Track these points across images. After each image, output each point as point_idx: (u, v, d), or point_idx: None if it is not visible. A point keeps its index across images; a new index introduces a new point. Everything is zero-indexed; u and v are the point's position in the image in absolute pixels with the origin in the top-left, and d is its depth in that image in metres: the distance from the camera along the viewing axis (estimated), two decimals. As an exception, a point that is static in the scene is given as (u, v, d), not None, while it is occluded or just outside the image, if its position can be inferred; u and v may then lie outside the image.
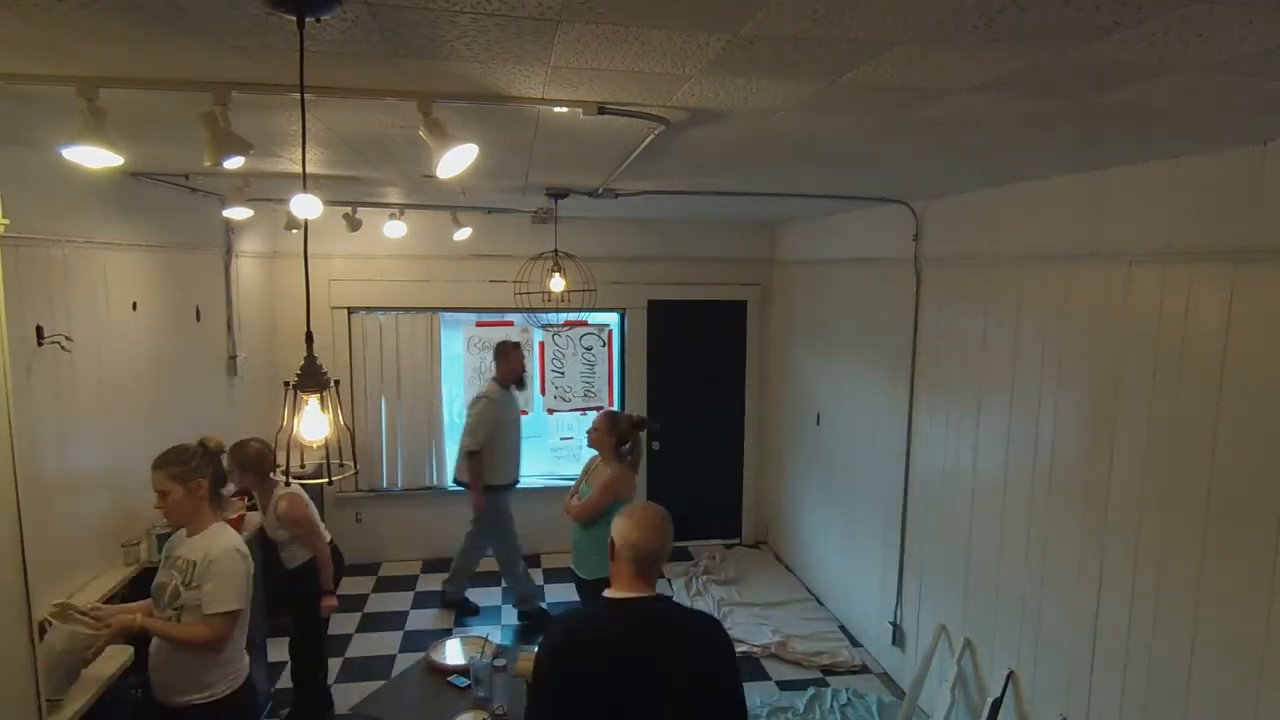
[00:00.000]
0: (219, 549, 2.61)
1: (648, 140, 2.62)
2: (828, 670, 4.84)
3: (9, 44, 1.72)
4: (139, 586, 3.35)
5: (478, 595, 5.89)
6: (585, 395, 6.69)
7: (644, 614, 2.03)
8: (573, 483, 4.29)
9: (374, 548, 6.43)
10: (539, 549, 6.67)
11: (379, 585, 6.06)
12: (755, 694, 4.45)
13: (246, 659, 2.81)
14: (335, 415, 1.69)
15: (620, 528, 2.11)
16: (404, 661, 4.76)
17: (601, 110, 2.21)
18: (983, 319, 3.84)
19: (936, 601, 4.30)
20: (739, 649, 4.19)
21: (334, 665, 4.77)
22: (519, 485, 5.68)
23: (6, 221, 2.12)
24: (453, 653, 3.75)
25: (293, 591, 3.97)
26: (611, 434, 4.04)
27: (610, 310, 6.63)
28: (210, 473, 2.66)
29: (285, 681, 4.56)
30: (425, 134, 2.02)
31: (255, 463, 3.69)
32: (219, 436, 2.83)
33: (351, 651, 5.03)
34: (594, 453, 4.17)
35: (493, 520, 5.42)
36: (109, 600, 3.41)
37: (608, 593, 2.11)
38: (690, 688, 1.96)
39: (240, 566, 2.65)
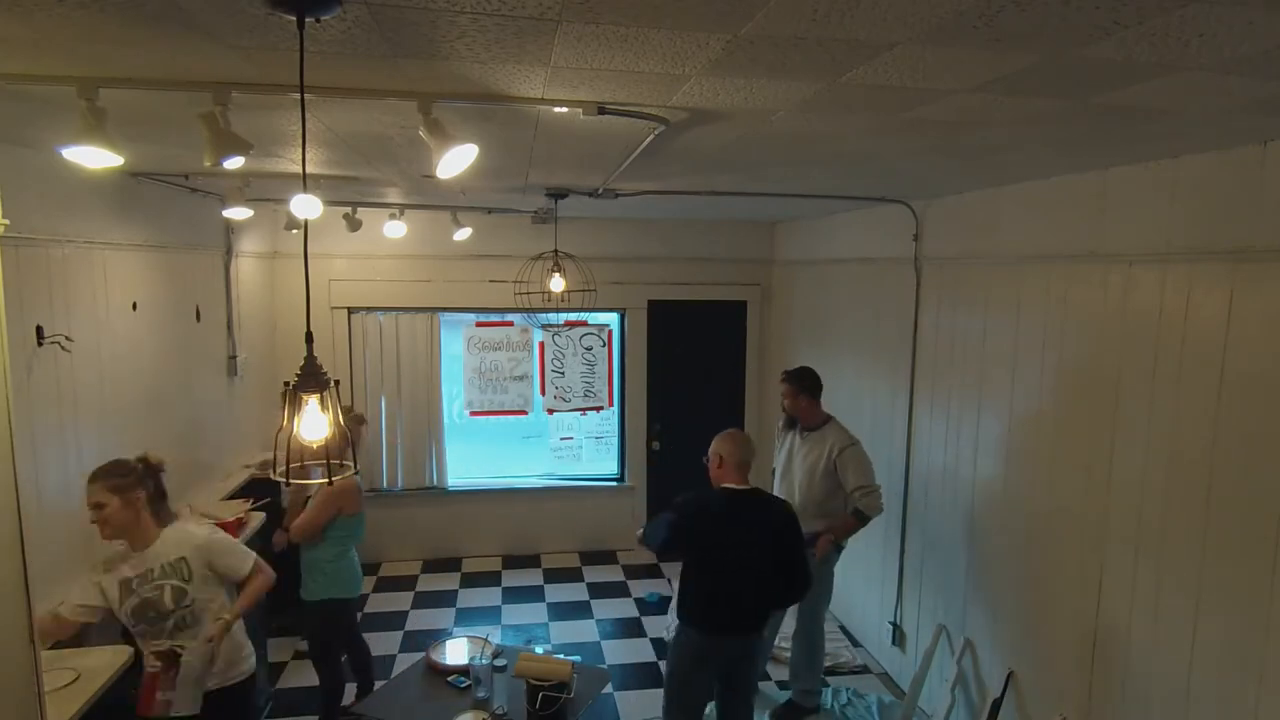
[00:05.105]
0: (201, 535, 2.77)
1: (648, 140, 2.62)
2: (828, 670, 4.83)
3: (9, 44, 1.72)
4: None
5: (477, 595, 5.91)
6: (585, 395, 6.69)
7: (743, 496, 3.27)
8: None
9: (374, 548, 6.41)
10: (539, 549, 6.69)
11: (379, 585, 6.06)
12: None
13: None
14: (335, 415, 1.69)
15: (725, 447, 3.28)
16: (404, 661, 4.75)
17: (601, 110, 2.21)
18: (982, 319, 3.84)
19: (936, 601, 4.30)
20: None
21: (334, 665, 4.76)
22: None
23: (6, 221, 2.11)
24: (453, 653, 3.76)
25: None
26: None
27: (610, 310, 6.63)
28: (150, 486, 2.70)
29: (285, 682, 4.56)
30: (425, 134, 2.02)
31: None
32: (159, 453, 2.86)
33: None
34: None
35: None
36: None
37: (726, 485, 3.27)
38: (769, 542, 3.22)
39: (228, 537, 2.90)
